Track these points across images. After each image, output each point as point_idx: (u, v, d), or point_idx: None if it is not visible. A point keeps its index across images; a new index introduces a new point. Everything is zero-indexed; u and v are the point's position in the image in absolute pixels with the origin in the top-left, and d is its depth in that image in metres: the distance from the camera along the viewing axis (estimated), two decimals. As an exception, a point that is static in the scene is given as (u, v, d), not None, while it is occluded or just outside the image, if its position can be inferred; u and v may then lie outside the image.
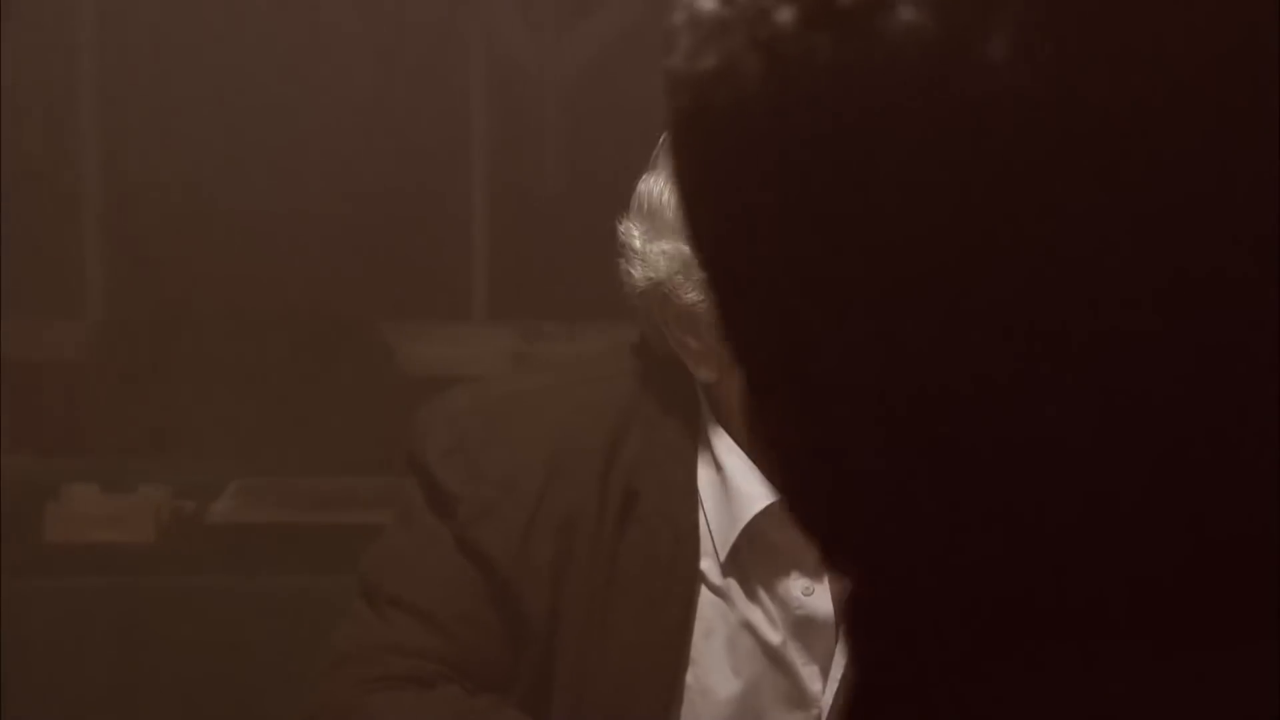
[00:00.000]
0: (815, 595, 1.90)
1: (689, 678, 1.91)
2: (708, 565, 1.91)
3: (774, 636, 1.91)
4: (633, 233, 1.87)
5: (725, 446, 1.90)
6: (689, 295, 1.82)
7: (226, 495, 3.52)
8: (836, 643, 1.90)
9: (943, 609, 0.67)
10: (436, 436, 1.94)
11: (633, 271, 1.87)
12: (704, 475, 1.92)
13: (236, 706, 3.08)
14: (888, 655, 0.69)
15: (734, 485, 1.89)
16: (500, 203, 4.08)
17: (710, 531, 1.91)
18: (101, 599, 3.17)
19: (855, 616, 0.71)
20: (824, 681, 1.92)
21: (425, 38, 3.99)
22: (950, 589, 0.67)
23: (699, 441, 1.92)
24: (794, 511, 0.72)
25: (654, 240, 1.85)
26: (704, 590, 1.92)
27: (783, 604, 1.91)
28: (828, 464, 0.68)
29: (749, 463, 1.89)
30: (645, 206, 1.87)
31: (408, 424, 2.00)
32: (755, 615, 1.92)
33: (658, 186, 1.86)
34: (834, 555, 0.71)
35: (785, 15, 0.64)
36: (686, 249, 1.74)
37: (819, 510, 0.71)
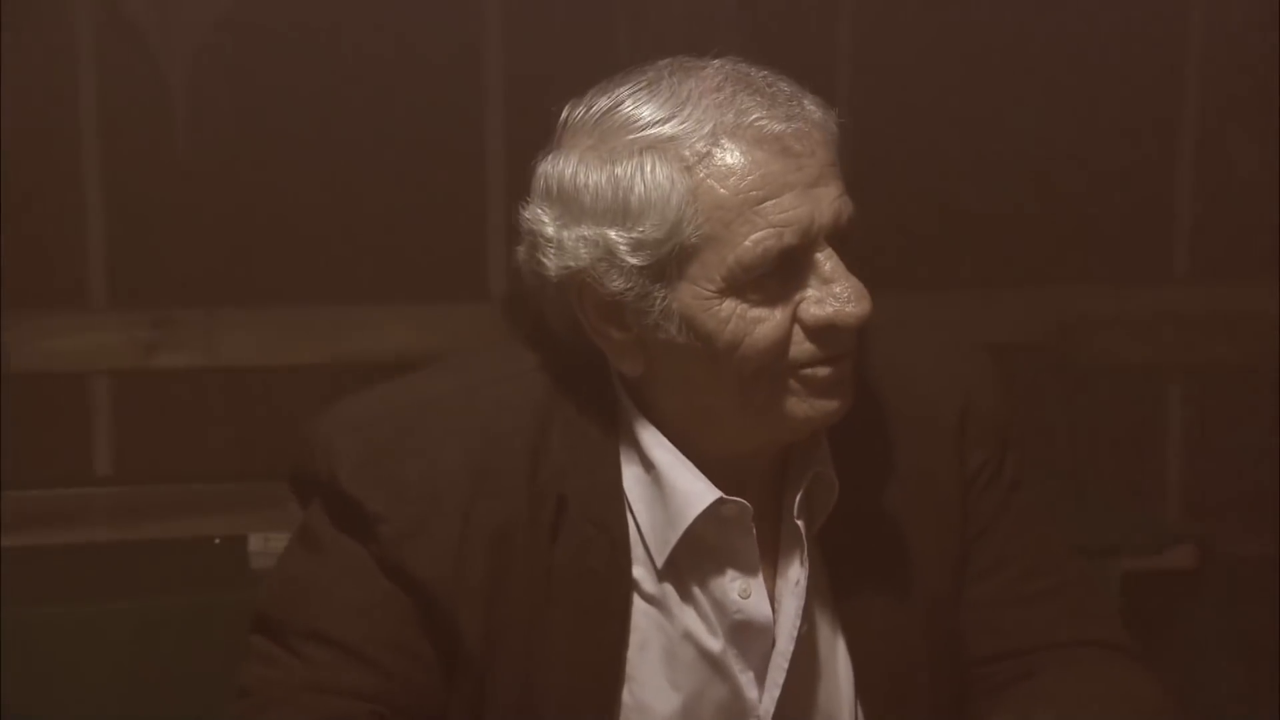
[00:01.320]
0: (752, 597, 1.80)
1: (625, 695, 1.80)
2: (640, 572, 1.80)
3: (713, 644, 1.81)
4: (542, 218, 1.74)
5: (654, 442, 1.78)
6: (614, 284, 1.71)
7: None
8: (773, 646, 1.82)
9: None
10: (343, 450, 1.76)
11: (545, 260, 1.74)
12: (630, 475, 1.80)
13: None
14: None
15: (670, 484, 1.78)
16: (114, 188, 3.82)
17: (642, 536, 1.79)
18: None
19: None
20: (760, 688, 1.82)
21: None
22: None
23: (621, 438, 1.80)
24: None
25: (570, 226, 1.72)
26: (637, 600, 1.80)
27: (720, 608, 1.81)
28: None
29: (683, 458, 1.78)
30: (555, 190, 1.74)
31: (296, 439, 1.82)
32: (693, 622, 1.81)
33: (568, 168, 1.73)
34: None
35: None
36: (611, 234, 1.68)
37: None
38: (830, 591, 1.85)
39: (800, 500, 1.81)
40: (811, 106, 1.72)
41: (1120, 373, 4.20)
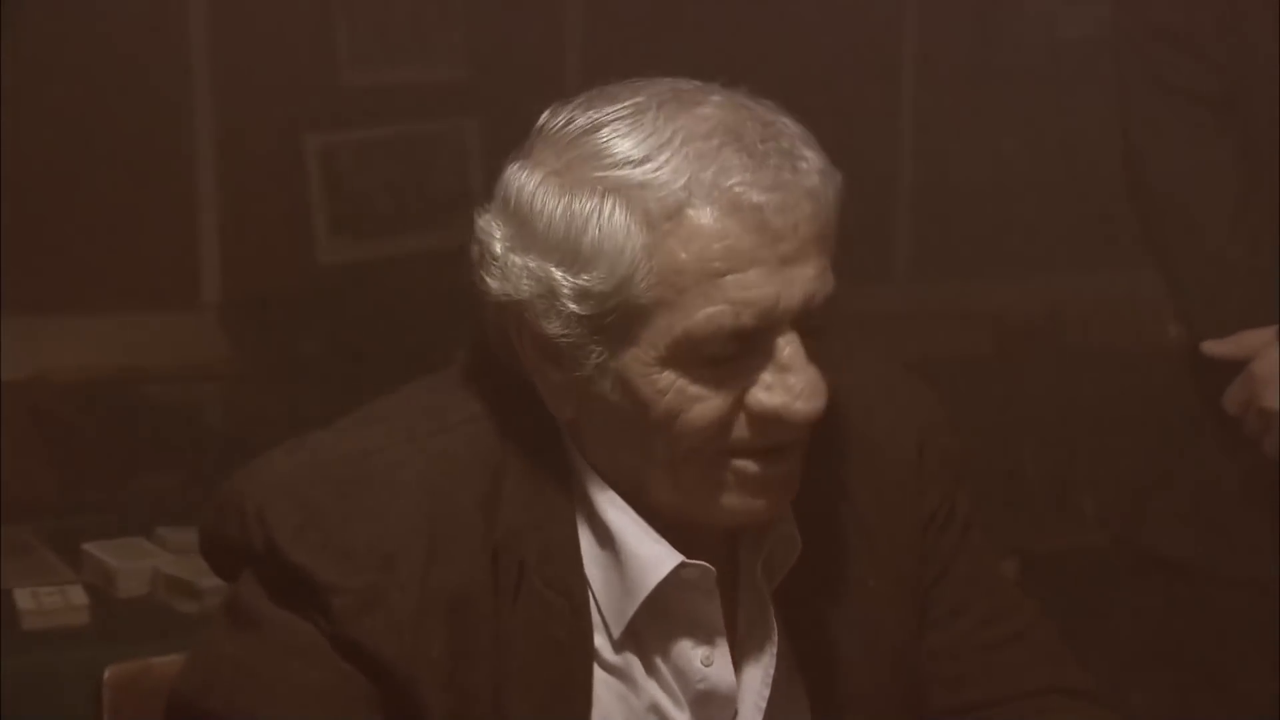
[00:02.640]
0: (715, 665, 1.66)
1: None
2: (599, 641, 1.64)
3: (678, 716, 1.66)
4: (493, 233, 1.58)
5: (607, 501, 1.63)
6: (551, 326, 1.56)
7: None
8: (734, 717, 1.68)
9: None
10: (278, 515, 1.57)
11: (488, 279, 1.58)
12: (584, 535, 1.64)
13: None
14: None
15: (627, 548, 1.62)
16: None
17: (597, 602, 1.64)
18: None
19: None
20: None
21: None
22: None
23: (573, 494, 1.64)
24: None
25: (518, 251, 1.56)
26: (597, 670, 1.64)
27: (683, 677, 1.66)
28: None
29: (639, 519, 1.62)
30: (513, 205, 1.57)
31: (211, 505, 1.62)
32: (657, 693, 1.66)
33: (530, 184, 1.57)
34: None
35: None
36: (556, 273, 1.54)
37: None
38: (790, 653, 1.71)
39: (764, 562, 1.68)
40: (807, 169, 1.56)
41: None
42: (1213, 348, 2.27)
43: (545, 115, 1.60)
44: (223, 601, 1.63)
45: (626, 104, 1.56)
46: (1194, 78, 2.28)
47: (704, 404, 1.56)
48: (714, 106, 1.56)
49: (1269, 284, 2.25)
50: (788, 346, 1.56)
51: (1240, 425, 2.28)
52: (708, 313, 1.53)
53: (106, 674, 1.81)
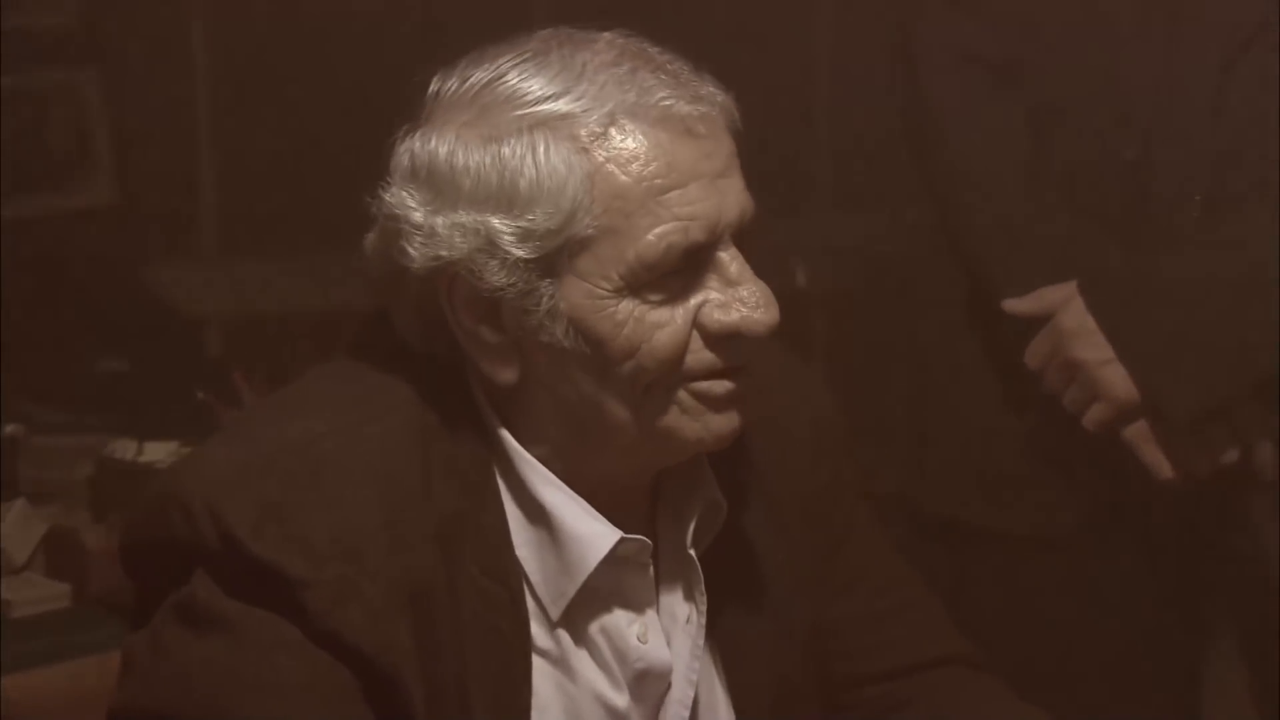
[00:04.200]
0: (650, 641, 1.61)
1: None
2: (534, 628, 1.57)
3: (618, 700, 1.60)
4: (408, 203, 1.52)
5: (540, 478, 1.57)
6: (493, 278, 1.50)
7: None
8: (666, 690, 1.62)
9: None
10: (233, 511, 1.47)
11: (409, 249, 1.51)
12: (512, 517, 1.57)
13: None
14: None
15: (564, 527, 1.56)
16: None
17: (531, 586, 1.57)
18: None
19: None
20: None
21: None
22: None
23: (498, 473, 1.58)
24: None
25: (444, 212, 1.51)
26: (535, 659, 1.57)
27: (622, 657, 1.60)
28: None
29: (574, 495, 1.57)
30: (426, 171, 1.52)
31: (144, 507, 1.52)
32: (596, 677, 1.60)
33: (443, 147, 1.51)
34: None
35: None
36: (494, 222, 1.49)
37: None
38: (706, 625, 1.67)
39: (693, 530, 1.63)
40: (713, 89, 1.55)
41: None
42: (1014, 305, 2.28)
43: (435, 82, 1.56)
44: (169, 608, 1.51)
45: (522, 50, 1.54)
46: (984, 42, 2.29)
47: (664, 330, 1.52)
48: (607, 42, 1.55)
49: (1058, 244, 2.27)
50: (733, 262, 1.54)
51: (1036, 380, 2.29)
52: (658, 232, 1.50)
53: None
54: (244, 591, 1.47)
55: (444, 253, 1.50)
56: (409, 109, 1.57)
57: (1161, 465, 2.26)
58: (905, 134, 2.38)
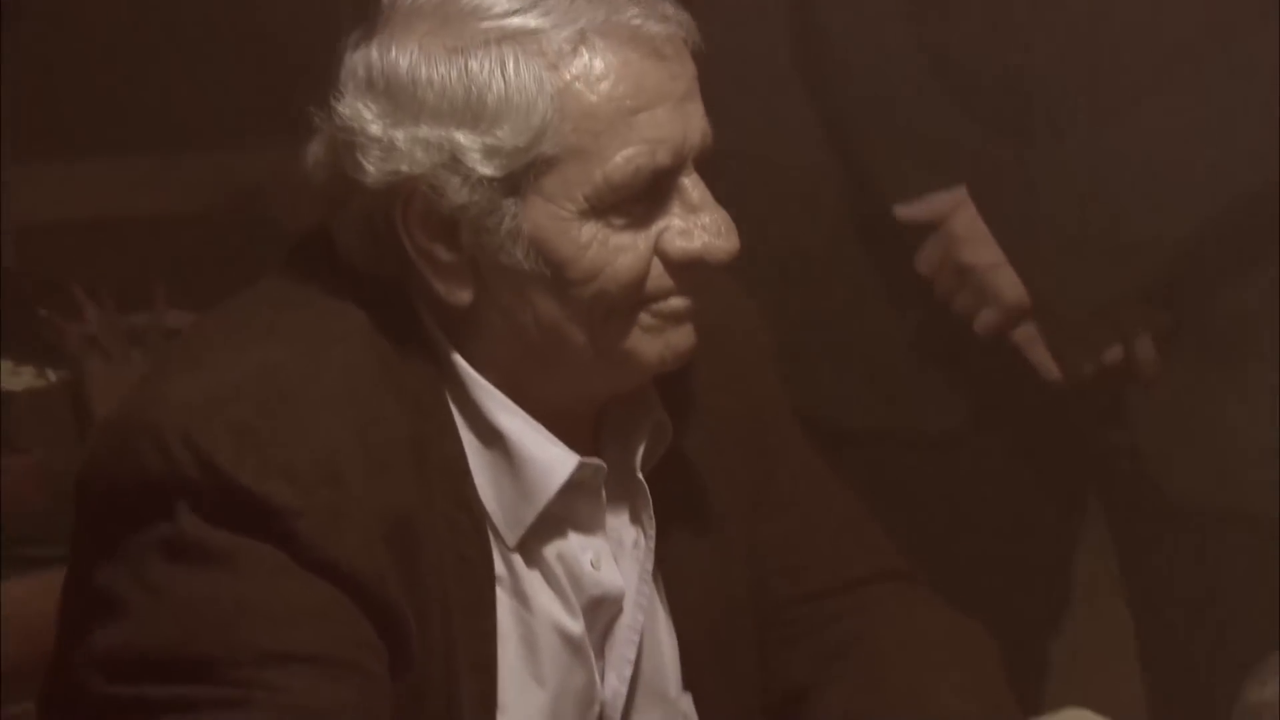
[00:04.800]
0: (603, 567, 1.61)
1: None
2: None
3: (574, 627, 1.60)
4: (364, 115, 1.48)
5: (495, 404, 1.55)
6: (455, 195, 1.47)
7: None
8: (618, 616, 1.62)
9: None
10: (211, 440, 1.44)
11: (364, 163, 1.48)
12: (469, 442, 1.56)
13: None
14: None
15: (523, 453, 1.55)
16: None
17: (487, 513, 1.56)
18: None
19: None
20: (602, 665, 1.62)
21: None
22: None
23: (452, 398, 1.56)
24: None
25: (404, 125, 1.47)
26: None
27: (577, 584, 1.60)
28: None
29: (532, 420, 1.55)
30: (384, 82, 1.48)
31: (105, 442, 1.47)
32: (552, 606, 1.59)
33: (404, 58, 1.48)
34: None
35: None
36: (459, 137, 1.47)
37: None
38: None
39: (642, 453, 1.63)
40: (676, 9, 1.54)
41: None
42: (904, 212, 2.29)
43: None
44: (150, 545, 1.46)
45: None
46: None
47: (627, 255, 1.51)
48: None
49: (947, 150, 2.29)
50: (695, 188, 1.54)
51: (928, 285, 2.31)
52: (626, 154, 1.49)
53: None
54: (230, 522, 1.44)
55: (403, 168, 1.47)
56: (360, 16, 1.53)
57: (1048, 366, 2.29)
58: (794, 40, 2.37)
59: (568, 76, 1.47)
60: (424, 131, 1.47)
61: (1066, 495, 2.47)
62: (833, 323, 2.42)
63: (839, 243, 2.40)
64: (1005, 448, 2.39)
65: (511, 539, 1.56)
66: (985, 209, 2.26)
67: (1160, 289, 2.26)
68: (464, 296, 1.52)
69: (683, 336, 1.56)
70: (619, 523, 1.63)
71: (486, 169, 1.47)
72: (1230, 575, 2.37)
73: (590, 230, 1.50)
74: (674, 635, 1.67)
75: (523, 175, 1.48)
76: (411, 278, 1.54)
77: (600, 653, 1.62)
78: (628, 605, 1.63)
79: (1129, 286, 2.25)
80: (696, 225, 1.53)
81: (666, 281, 1.54)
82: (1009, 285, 2.26)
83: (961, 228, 2.26)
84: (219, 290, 1.63)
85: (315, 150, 1.52)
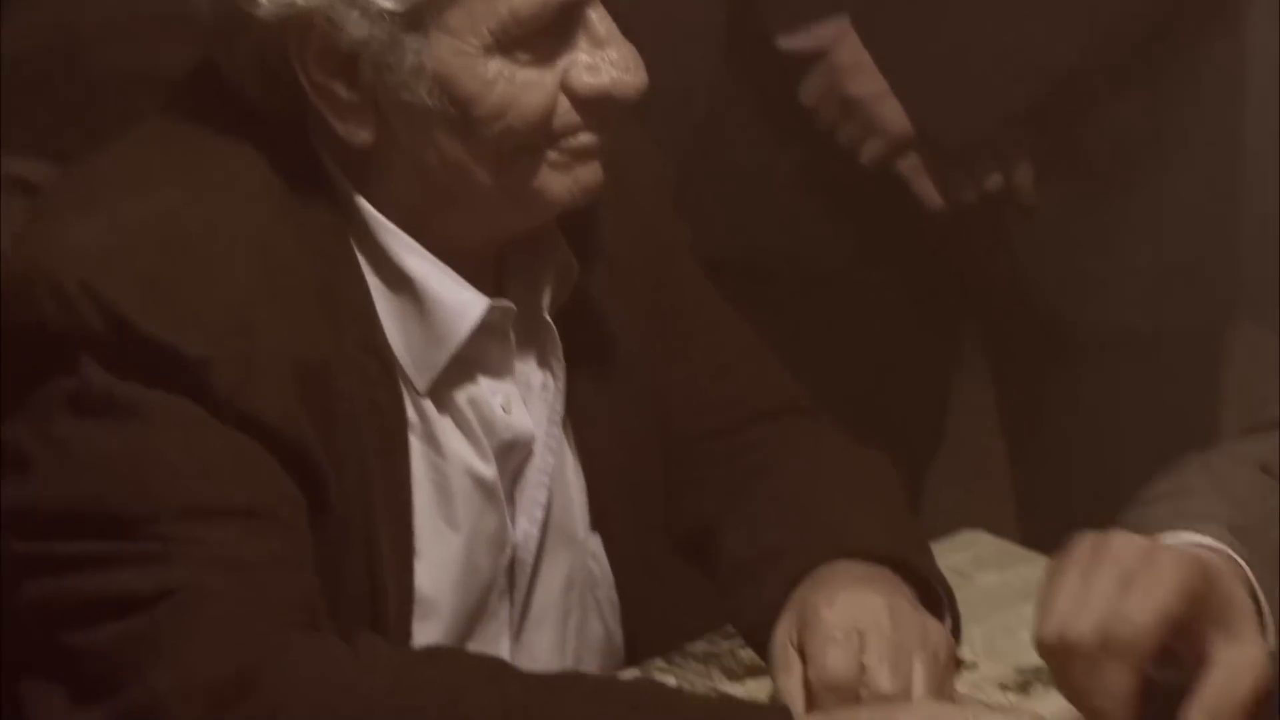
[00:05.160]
0: (514, 410, 1.58)
1: None
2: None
3: (487, 471, 1.57)
4: None
5: (402, 246, 1.52)
6: (355, 30, 1.42)
7: None
8: (529, 459, 1.60)
9: None
10: (113, 288, 1.39)
11: None
12: (374, 287, 1.52)
13: None
14: None
15: (432, 296, 1.52)
16: None
17: (396, 358, 1.53)
18: None
19: None
20: (514, 509, 1.60)
21: None
22: None
23: (355, 242, 1.52)
24: None
25: None
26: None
27: (489, 428, 1.57)
28: None
29: (440, 263, 1.52)
30: None
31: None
32: (464, 450, 1.56)
33: None
34: None
35: None
36: None
37: None
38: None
39: (549, 296, 1.61)
40: None
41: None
42: (788, 42, 2.27)
43: None
44: (54, 400, 1.42)
45: None
46: None
47: (533, 91, 1.47)
48: None
49: None
50: (601, 21, 1.50)
51: (811, 116, 2.30)
52: None
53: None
54: (139, 374, 1.40)
55: (299, 0, 1.42)
56: None
57: (932, 196, 2.29)
58: None
59: None
60: None
61: (947, 326, 2.48)
62: (718, 158, 2.40)
63: (722, 77, 2.38)
64: (888, 281, 2.40)
65: (422, 384, 1.53)
66: (868, 38, 2.24)
67: (1039, 115, 2.27)
68: (365, 136, 1.48)
69: (591, 173, 1.53)
70: (527, 367, 1.61)
71: (387, 2, 1.43)
72: (1107, 396, 2.41)
73: (496, 66, 1.46)
74: (582, 477, 1.66)
75: (425, 9, 1.43)
76: (309, 117, 1.50)
77: (511, 497, 1.60)
78: (538, 449, 1.61)
79: (1009, 113, 2.25)
80: (604, 60, 1.49)
81: (574, 118, 1.50)
82: (894, 115, 2.25)
83: (846, 58, 2.24)
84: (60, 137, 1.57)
85: None
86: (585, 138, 1.51)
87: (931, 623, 1.51)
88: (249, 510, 1.40)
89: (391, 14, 1.43)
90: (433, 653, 1.49)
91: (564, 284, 1.61)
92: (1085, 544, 1.42)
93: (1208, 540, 1.49)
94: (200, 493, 1.39)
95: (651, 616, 1.70)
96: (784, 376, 1.80)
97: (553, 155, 1.51)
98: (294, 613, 1.40)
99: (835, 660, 1.44)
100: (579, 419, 1.65)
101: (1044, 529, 2.32)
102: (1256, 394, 1.77)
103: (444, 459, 1.55)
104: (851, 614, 1.47)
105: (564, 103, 1.49)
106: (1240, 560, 1.48)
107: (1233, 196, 2.43)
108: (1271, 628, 1.48)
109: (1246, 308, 2.51)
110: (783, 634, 1.51)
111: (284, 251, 1.46)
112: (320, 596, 1.43)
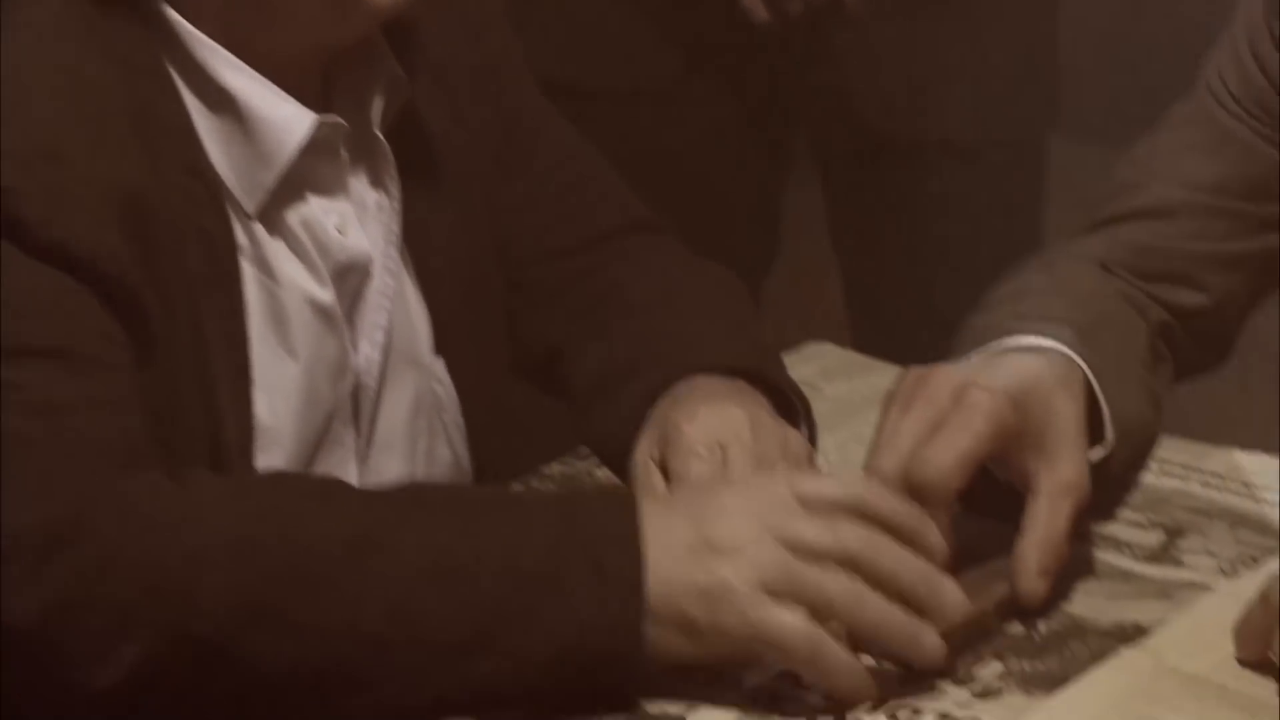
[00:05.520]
0: (349, 232, 1.54)
1: None
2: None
3: (324, 295, 1.52)
4: None
5: (219, 61, 1.45)
6: None
7: None
8: (367, 282, 1.56)
9: None
10: None
11: None
12: (193, 105, 1.46)
13: None
14: None
15: (255, 113, 1.46)
16: None
17: (221, 181, 1.48)
18: None
19: None
20: (354, 334, 1.56)
21: None
22: None
23: (167, 57, 1.45)
24: None
25: None
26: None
27: (324, 250, 1.52)
28: None
29: (261, 78, 1.47)
30: None
31: None
32: (299, 274, 1.51)
33: None
34: None
35: None
36: None
37: None
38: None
39: (380, 111, 1.56)
40: None
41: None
42: None
43: None
44: None
45: None
46: None
47: None
48: None
49: None
50: None
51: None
52: None
53: None
54: None
55: None
56: None
57: (757, 8, 2.28)
58: None
59: None
60: None
61: (776, 140, 2.48)
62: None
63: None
64: (716, 95, 2.38)
65: (250, 206, 1.48)
66: None
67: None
68: None
69: None
70: (360, 186, 1.56)
71: None
72: (933, 204, 2.42)
73: None
74: (423, 300, 1.63)
75: None
76: None
77: (351, 321, 1.56)
78: (376, 270, 1.56)
79: None
80: None
81: None
82: (718, -74, 2.23)
83: None
84: None
85: None
86: None
87: (791, 433, 1.51)
88: (66, 350, 1.32)
89: None
90: (267, 479, 1.44)
91: (394, 99, 1.56)
92: (909, 380, 1.43)
93: (1047, 343, 1.51)
94: (12, 333, 1.31)
95: (500, 441, 1.67)
96: (628, 195, 1.77)
97: None
98: (116, 455, 1.31)
99: (699, 474, 1.43)
100: (416, 239, 1.61)
101: (876, 338, 2.35)
102: (1079, 204, 1.78)
103: (278, 284, 1.50)
104: (713, 428, 1.46)
105: None
106: (1081, 361, 1.50)
107: (1053, 6, 2.45)
108: (1109, 426, 1.50)
109: (1068, 118, 2.54)
110: (643, 451, 1.50)
111: (89, 73, 1.39)
112: (146, 437, 1.36)
